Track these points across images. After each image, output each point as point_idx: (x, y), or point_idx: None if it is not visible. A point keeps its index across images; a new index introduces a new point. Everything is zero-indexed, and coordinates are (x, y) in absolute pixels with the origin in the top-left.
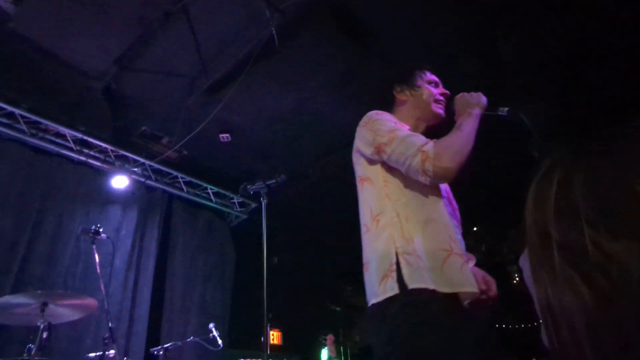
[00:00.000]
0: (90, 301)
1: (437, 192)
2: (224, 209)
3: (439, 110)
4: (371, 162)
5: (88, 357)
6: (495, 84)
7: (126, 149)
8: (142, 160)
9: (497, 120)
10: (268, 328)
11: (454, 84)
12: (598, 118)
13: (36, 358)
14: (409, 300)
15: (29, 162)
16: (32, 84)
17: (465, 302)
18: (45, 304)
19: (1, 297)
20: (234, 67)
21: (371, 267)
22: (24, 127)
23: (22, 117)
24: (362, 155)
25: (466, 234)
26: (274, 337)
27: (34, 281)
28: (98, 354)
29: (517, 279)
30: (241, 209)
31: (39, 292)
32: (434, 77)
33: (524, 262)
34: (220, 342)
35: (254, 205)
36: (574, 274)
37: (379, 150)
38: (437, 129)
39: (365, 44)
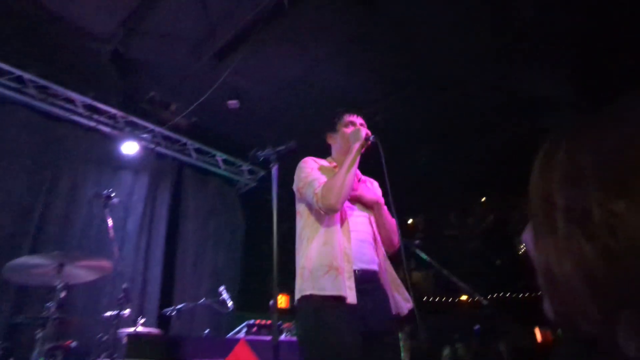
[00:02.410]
0: (105, 262)
1: (337, 221)
2: (233, 176)
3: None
4: (299, 199)
5: (104, 316)
6: (511, 48)
7: (135, 115)
8: (151, 126)
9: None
10: (277, 292)
11: (469, 48)
12: (615, 89)
13: (55, 316)
14: (301, 305)
15: (39, 127)
16: (39, 47)
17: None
18: (62, 265)
19: (20, 257)
20: (242, 30)
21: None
22: (33, 91)
23: (31, 81)
24: (295, 193)
25: (474, 204)
26: (282, 301)
27: (51, 243)
28: (114, 313)
29: (523, 249)
30: (250, 177)
31: (55, 253)
32: (351, 119)
33: (528, 234)
34: (230, 304)
35: (262, 172)
36: (577, 233)
37: (298, 192)
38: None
39: (376, 7)
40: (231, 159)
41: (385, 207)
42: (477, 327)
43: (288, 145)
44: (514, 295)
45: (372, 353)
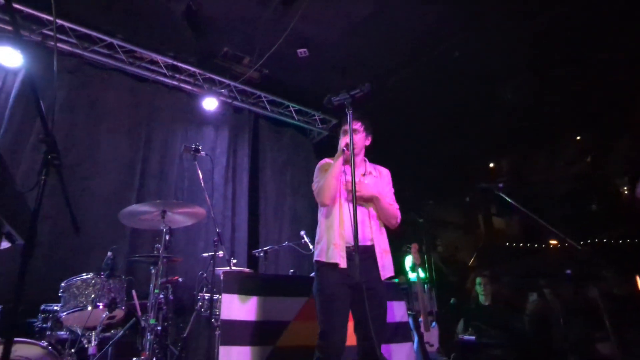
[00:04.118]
0: (200, 209)
1: (337, 211)
2: (306, 126)
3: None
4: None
5: (202, 256)
6: None
7: (212, 72)
8: (227, 81)
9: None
10: (357, 235)
11: None
12: None
13: (163, 255)
14: (316, 266)
15: (131, 89)
16: (121, 12)
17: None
18: (164, 212)
19: (130, 205)
20: None
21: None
22: (122, 56)
23: (120, 46)
24: None
25: (566, 144)
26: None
27: (151, 195)
28: (210, 254)
29: (627, 190)
30: (322, 126)
31: (158, 201)
32: (345, 127)
33: None
34: (311, 246)
35: (334, 121)
36: None
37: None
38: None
39: None
40: (304, 108)
41: (383, 199)
42: (568, 272)
43: (362, 88)
44: (611, 242)
45: (361, 300)
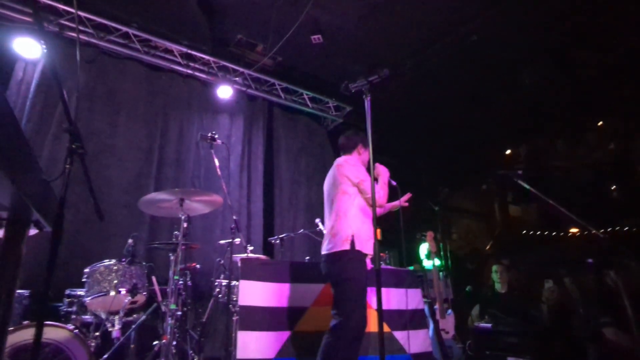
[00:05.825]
0: (217, 197)
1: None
2: (320, 113)
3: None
4: (352, 184)
5: (219, 243)
6: None
7: (226, 60)
8: (241, 69)
9: None
10: (376, 225)
11: None
12: None
13: (182, 242)
14: (352, 255)
15: (146, 78)
16: (135, 1)
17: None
18: (182, 200)
19: (149, 193)
20: None
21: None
22: (137, 45)
23: (135, 35)
24: (349, 179)
25: (588, 130)
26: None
27: (169, 183)
28: (227, 241)
29: None
30: (337, 113)
31: (176, 189)
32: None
33: None
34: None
35: (349, 108)
36: None
37: (359, 184)
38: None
39: None
40: (318, 96)
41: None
42: (589, 261)
43: (381, 74)
44: (633, 230)
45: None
